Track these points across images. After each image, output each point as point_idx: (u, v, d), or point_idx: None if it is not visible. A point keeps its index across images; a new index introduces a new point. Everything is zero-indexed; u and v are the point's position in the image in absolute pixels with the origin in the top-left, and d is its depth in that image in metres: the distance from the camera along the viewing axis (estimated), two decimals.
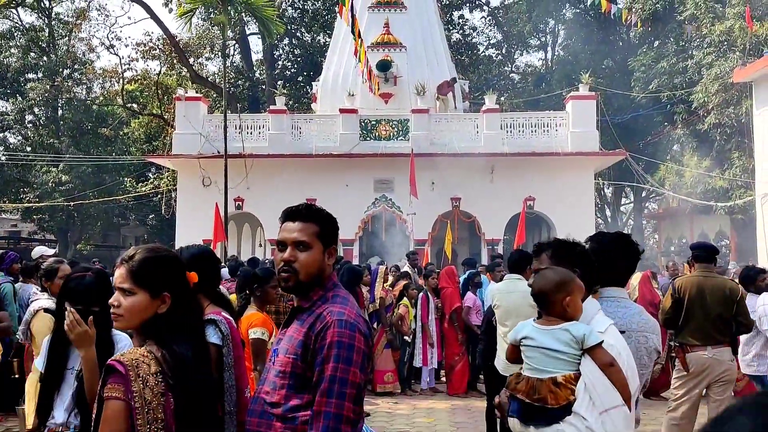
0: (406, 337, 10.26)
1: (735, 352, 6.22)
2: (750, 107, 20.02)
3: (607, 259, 3.35)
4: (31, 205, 31.20)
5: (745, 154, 21.88)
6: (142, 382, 2.17)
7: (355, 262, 18.34)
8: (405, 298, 10.14)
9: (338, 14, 19.96)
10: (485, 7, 39.55)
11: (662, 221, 35.04)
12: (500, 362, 6.28)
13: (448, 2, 36.68)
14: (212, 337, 3.02)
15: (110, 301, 2.36)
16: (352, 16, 12.73)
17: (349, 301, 2.53)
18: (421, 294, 10.25)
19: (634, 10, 25.55)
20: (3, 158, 34.61)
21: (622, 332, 3.19)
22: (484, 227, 20.66)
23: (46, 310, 4.99)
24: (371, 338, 2.47)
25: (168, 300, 2.30)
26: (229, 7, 19.42)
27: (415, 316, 10.20)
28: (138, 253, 2.36)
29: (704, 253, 6.34)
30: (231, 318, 3.27)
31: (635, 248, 3.41)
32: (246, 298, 5.21)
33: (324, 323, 2.42)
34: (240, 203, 20.70)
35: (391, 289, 10.33)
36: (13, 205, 33.03)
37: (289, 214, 2.61)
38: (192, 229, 20.17)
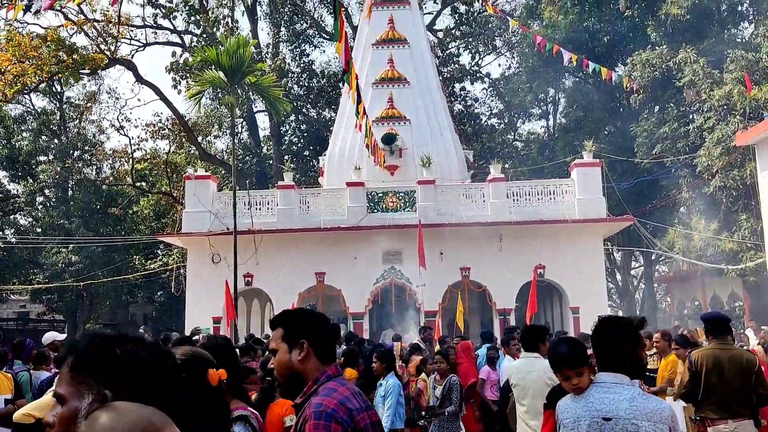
0: (423, 412, 10.07)
1: (758, 425, 6.07)
2: (754, 170, 20.13)
3: (597, 347, 3.37)
4: (40, 286, 31.29)
5: (752, 216, 21.87)
6: None
7: (365, 336, 18.21)
8: (423, 373, 9.99)
9: (343, 92, 20.46)
10: (486, 79, 40.41)
11: (674, 284, 34.76)
12: None
13: (449, 76, 37.53)
14: None
15: None
16: (358, 94, 13.03)
17: (335, 391, 2.65)
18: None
19: (633, 77, 26.06)
20: (13, 240, 34.90)
21: (608, 419, 3.15)
22: (495, 297, 20.53)
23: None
24: (351, 424, 2.57)
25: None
26: (237, 88, 19.90)
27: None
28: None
29: (716, 326, 6.27)
30: (257, 413, 3.27)
31: (621, 332, 3.35)
32: (271, 384, 5.01)
33: (304, 416, 2.58)
34: (249, 279, 20.69)
35: (405, 365, 10.19)
36: (23, 286, 33.12)
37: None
38: (201, 306, 20.17)
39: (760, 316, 22.06)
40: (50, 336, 9.00)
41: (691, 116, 26.41)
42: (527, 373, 6.09)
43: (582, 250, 20.42)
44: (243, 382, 3.54)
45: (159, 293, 37.23)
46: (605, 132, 32.69)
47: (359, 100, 13.08)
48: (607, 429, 3.16)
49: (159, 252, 35.01)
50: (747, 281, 23.62)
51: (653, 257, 34.05)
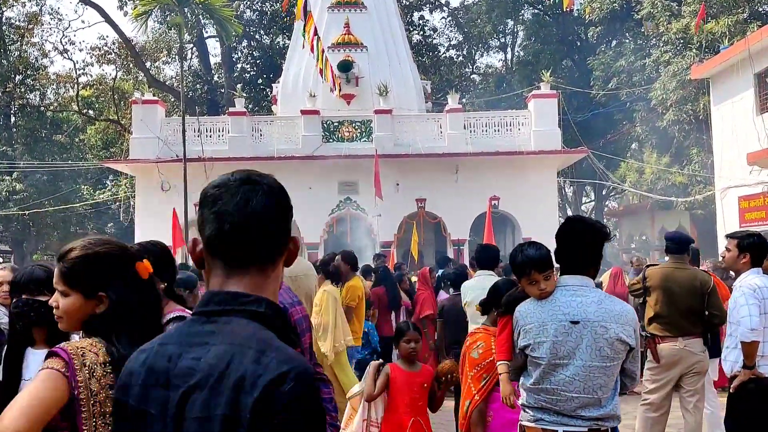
0: None
1: (706, 344, 6.12)
2: (707, 103, 20.28)
3: (564, 247, 3.24)
4: None
5: (703, 150, 22.18)
6: (89, 371, 1.94)
7: None
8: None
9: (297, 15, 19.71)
10: (445, 8, 39.64)
11: (623, 219, 35.40)
12: None
13: (408, 3, 36.66)
14: None
15: (50, 302, 2.19)
16: (306, 13, 12.51)
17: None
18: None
19: (592, 9, 25.83)
20: None
21: (576, 322, 3.06)
22: (449, 228, 20.56)
23: None
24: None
25: (105, 300, 2.09)
26: (185, 9, 19.03)
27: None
28: (72, 251, 2.15)
29: (676, 245, 6.23)
30: None
31: (593, 234, 3.23)
32: None
33: None
34: None
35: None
36: None
37: None
38: (150, 235, 19.57)
39: (707, 248, 22.62)
40: None
41: (648, 50, 26.39)
42: (483, 290, 6.00)
43: (536, 181, 20.47)
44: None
45: (109, 224, 36.43)
46: (563, 66, 32.59)
47: (306, 20, 12.56)
48: (575, 332, 3.09)
49: (108, 182, 34.09)
50: (695, 214, 24.14)
51: (604, 192, 34.53)
